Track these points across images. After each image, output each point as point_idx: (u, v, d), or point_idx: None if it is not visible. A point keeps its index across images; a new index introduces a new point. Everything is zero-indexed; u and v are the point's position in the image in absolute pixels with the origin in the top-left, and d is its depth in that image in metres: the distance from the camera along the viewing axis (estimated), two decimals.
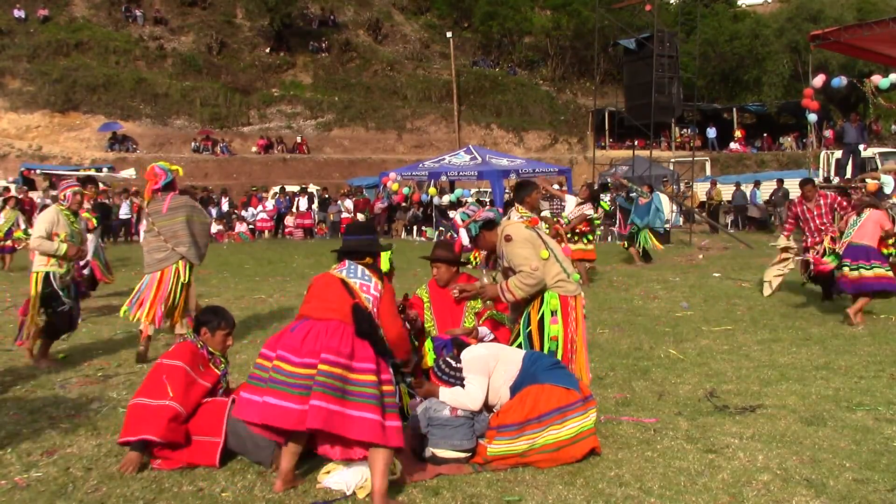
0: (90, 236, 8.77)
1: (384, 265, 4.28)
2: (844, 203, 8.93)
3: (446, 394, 4.07)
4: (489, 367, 4.12)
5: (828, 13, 34.94)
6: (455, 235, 9.22)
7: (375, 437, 3.37)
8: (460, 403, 4.02)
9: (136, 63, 34.55)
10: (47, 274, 6.36)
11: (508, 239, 4.49)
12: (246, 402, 3.56)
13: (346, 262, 3.85)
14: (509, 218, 4.87)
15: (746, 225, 24.13)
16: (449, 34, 38.08)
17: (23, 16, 34.60)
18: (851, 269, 7.79)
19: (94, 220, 8.87)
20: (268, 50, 37.73)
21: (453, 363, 4.18)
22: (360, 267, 3.82)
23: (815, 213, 8.84)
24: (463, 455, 3.96)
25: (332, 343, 3.45)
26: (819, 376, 5.68)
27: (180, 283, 6.59)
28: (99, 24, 36.13)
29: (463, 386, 4.07)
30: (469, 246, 5.00)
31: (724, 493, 3.57)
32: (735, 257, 15.08)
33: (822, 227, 8.73)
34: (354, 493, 3.59)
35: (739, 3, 46.00)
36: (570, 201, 11.46)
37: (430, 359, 4.63)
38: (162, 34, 36.75)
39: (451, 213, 23.45)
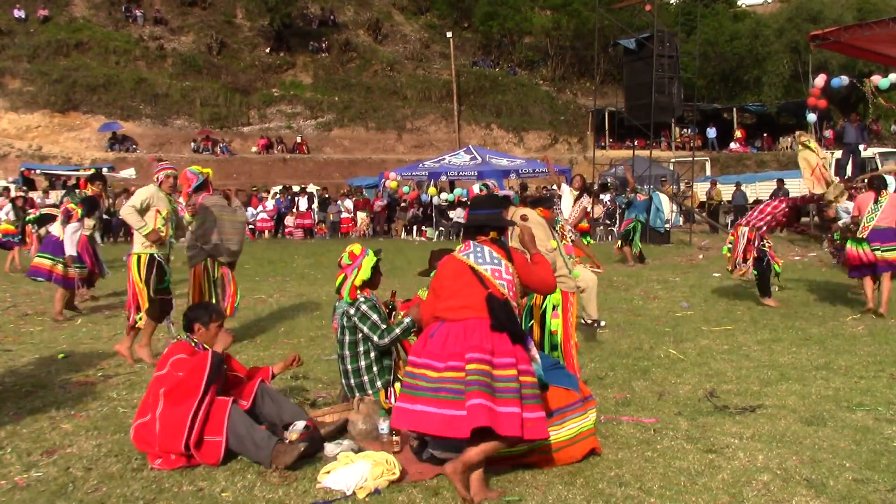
0: (71, 226, 8.86)
1: (364, 273, 4.35)
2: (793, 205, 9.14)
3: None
4: None
5: (828, 13, 34.92)
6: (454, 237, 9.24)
7: (517, 431, 3.37)
8: None
9: (136, 63, 34.55)
10: (151, 256, 6.37)
11: (525, 218, 4.53)
12: (400, 411, 3.55)
13: (471, 244, 3.75)
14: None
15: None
16: (449, 34, 38.09)
17: (23, 16, 34.61)
18: (885, 251, 8.04)
19: (79, 212, 8.90)
20: (268, 50, 37.74)
21: None
22: (486, 249, 3.71)
23: (763, 211, 9.03)
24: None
25: (474, 342, 3.44)
26: (819, 376, 5.68)
27: (211, 280, 7.09)
28: (99, 24, 36.14)
29: None
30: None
31: (724, 493, 3.57)
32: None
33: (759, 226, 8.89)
34: (354, 493, 3.59)
35: (739, 3, 45.98)
36: (565, 191, 11.44)
37: None
38: (162, 34, 36.76)
39: (451, 214, 23.52)
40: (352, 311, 4.65)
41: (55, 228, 9.07)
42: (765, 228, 8.93)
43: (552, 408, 3.90)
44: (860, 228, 8.35)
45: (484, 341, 3.45)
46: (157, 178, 6.67)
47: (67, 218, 8.86)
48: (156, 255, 6.41)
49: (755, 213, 9.13)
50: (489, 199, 4.06)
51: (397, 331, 4.61)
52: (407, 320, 4.63)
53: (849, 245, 8.43)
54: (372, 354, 4.69)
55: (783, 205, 9.09)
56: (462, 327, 3.51)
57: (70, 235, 8.75)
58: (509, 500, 3.54)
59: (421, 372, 3.51)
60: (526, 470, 3.86)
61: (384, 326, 4.60)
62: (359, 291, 4.69)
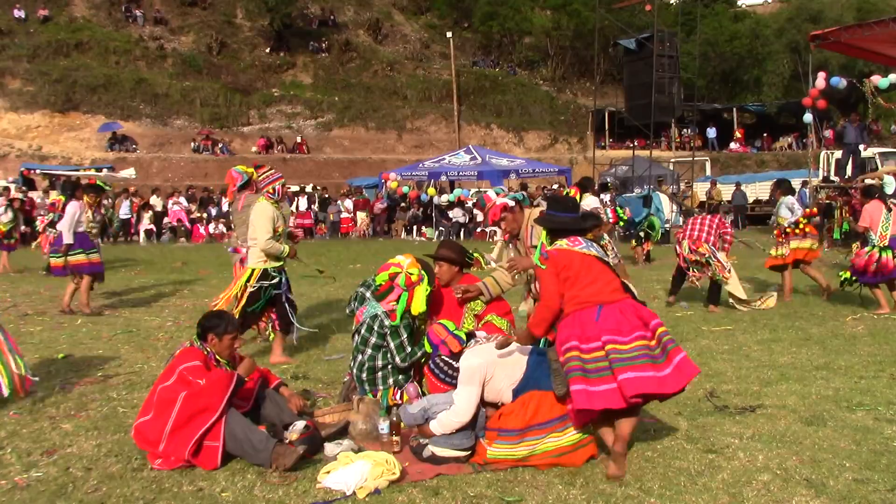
0: (67, 215, 8.87)
1: (419, 306, 4.63)
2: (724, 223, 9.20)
3: (435, 426, 4.04)
4: (482, 378, 4.05)
5: (828, 13, 34.95)
6: (453, 236, 9.25)
7: (682, 384, 3.82)
8: (450, 425, 3.99)
9: (136, 63, 34.55)
10: (265, 271, 6.39)
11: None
12: (590, 394, 3.68)
13: (579, 238, 4.06)
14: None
15: (746, 225, 24.14)
16: (449, 34, 38.09)
17: (23, 16, 34.60)
18: None
19: (62, 198, 8.93)
20: (268, 50, 37.74)
21: (454, 363, 4.19)
22: (591, 242, 4.10)
23: (702, 226, 8.96)
24: (463, 454, 3.96)
25: (644, 315, 3.86)
26: (819, 376, 5.68)
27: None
28: (99, 24, 36.14)
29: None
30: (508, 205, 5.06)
31: (724, 493, 3.57)
32: (735, 257, 15.06)
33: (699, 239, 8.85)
34: (354, 493, 3.59)
35: (739, 3, 45.98)
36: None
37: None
38: (162, 34, 36.76)
39: (451, 214, 23.52)
40: (387, 323, 4.65)
41: (60, 224, 9.10)
42: (713, 241, 8.87)
43: (557, 414, 3.91)
44: (878, 237, 8.52)
45: (644, 315, 3.86)
46: (274, 188, 6.50)
47: (60, 212, 8.96)
48: (269, 270, 6.43)
49: (695, 229, 9.00)
50: (567, 204, 4.38)
51: (419, 354, 4.63)
52: (423, 349, 4.61)
53: (868, 253, 8.50)
54: (390, 357, 4.70)
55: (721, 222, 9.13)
56: (623, 305, 3.87)
57: (66, 222, 8.81)
58: (509, 500, 3.54)
59: (608, 349, 3.72)
60: (526, 470, 3.86)
61: (409, 350, 4.63)
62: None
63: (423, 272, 4.72)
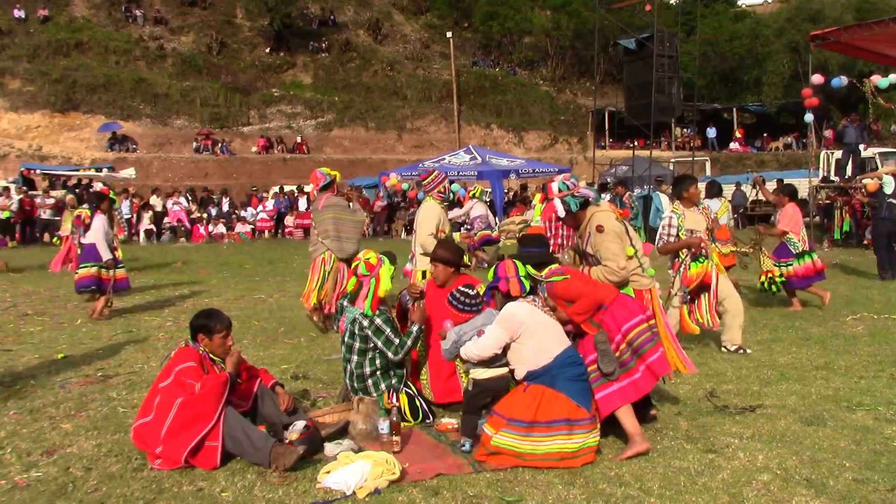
0: (95, 228, 8.74)
1: (385, 284, 4.62)
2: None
3: (463, 352, 4.22)
4: (515, 332, 4.09)
5: (828, 13, 34.91)
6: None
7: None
8: (471, 356, 4.14)
9: (136, 63, 34.53)
10: (424, 273, 6.20)
11: (601, 230, 4.54)
12: (620, 390, 4.14)
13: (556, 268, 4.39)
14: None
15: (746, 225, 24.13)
16: (449, 34, 38.06)
17: (23, 16, 34.59)
18: None
19: (88, 212, 8.89)
20: (268, 50, 37.73)
21: (470, 292, 4.34)
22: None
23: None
24: (503, 371, 4.17)
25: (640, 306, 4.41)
26: (819, 376, 5.68)
27: (325, 271, 7.58)
28: (99, 24, 36.12)
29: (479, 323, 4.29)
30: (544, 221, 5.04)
31: (724, 493, 3.57)
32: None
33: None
34: (354, 493, 3.59)
35: (739, 3, 45.96)
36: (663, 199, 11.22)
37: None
38: (162, 34, 36.74)
39: (451, 213, 23.49)
40: (365, 323, 4.58)
41: (89, 237, 8.82)
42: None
43: (563, 416, 3.93)
44: (801, 241, 8.62)
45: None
46: (444, 188, 6.38)
47: (86, 225, 8.86)
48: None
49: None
50: (537, 240, 4.58)
51: (409, 342, 4.58)
52: (415, 329, 4.60)
53: (804, 265, 8.61)
54: (378, 362, 4.64)
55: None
56: (622, 299, 4.36)
57: (98, 236, 8.58)
58: (509, 500, 3.54)
59: (628, 338, 4.19)
60: (526, 470, 3.87)
61: (397, 341, 4.57)
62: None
63: (380, 255, 4.76)
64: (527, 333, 4.09)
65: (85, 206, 9.49)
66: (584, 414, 3.97)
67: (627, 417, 4.14)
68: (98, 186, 12.22)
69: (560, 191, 4.68)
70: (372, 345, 4.61)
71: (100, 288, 8.71)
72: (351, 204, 8.13)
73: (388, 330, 4.58)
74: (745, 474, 3.78)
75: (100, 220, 8.67)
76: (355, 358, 4.66)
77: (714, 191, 9.51)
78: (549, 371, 4.05)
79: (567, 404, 3.95)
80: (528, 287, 4.26)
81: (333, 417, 4.57)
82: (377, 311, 4.61)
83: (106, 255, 8.57)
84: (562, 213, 4.71)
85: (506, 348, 4.15)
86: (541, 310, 4.22)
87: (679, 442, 4.27)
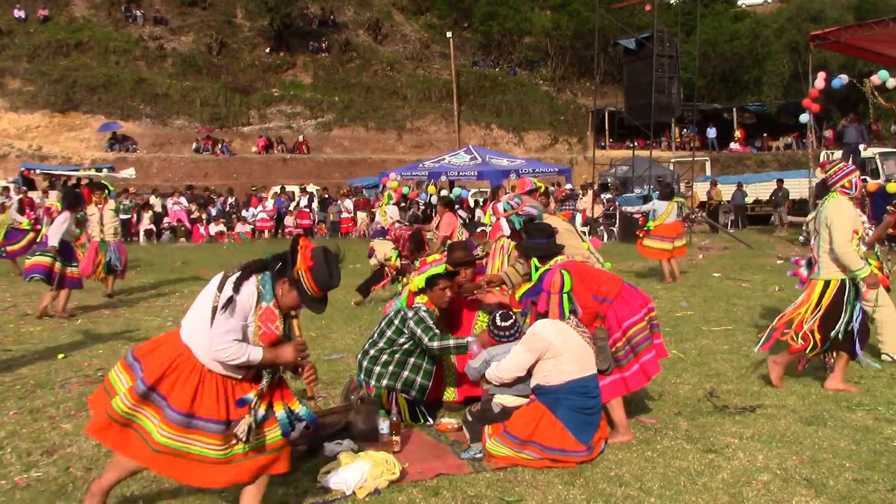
0: (57, 220, 8.87)
1: (418, 282, 4.71)
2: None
3: (488, 374, 4.20)
4: (541, 351, 3.98)
5: (828, 13, 34.92)
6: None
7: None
8: (495, 378, 4.11)
9: (136, 63, 34.55)
10: (842, 283, 5.26)
11: (555, 231, 4.66)
12: (612, 383, 4.29)
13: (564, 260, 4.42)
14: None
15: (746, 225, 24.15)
16: (449, 34, 38.06)
17: (23, 16, 34.61)
18: None
19: (59, 205, 8.94)
20: (268, 50, 37.74)
21: (506, 324, 4.31)
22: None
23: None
24: (525, 400, 4.09)
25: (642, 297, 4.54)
26: (819, 376, 5.68)
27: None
28: (99, 24, 36.14)
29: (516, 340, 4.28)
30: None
31: (724, 493, 3.57)
32: (735, 257, 15.07)
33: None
34: (354, 493, 3.59)
35: (739, 3, 45.99)
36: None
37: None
38: (162, 34, 36.76)
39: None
40: (409, 314, 4.64)
41: (51, 228, 9.02)
42: None
43: (559, 447, 3.88)
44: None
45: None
46: (851, 181, 5.26)
47: (52, 218, 8.97)
48: (847, 282, 5.24)
49: None
50: (543, 230, 4.56)
51: (451, 343, 4.51)
52: (467, 340, 4.47)
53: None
54: (397, 356, 4.66)
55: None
56: (627, 293, 4.46)
57: (54, 227, 8.78)
58: (509, 500, 3.54)
59: (633, 331, 4.32)
60: (526, 470, 3.87)
61: (437, 331, 4.56)
62: (416, 298, 4.73)
63: (439, 260, 4.85)
64: (551, 353, 3.98)
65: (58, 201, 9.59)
66: (581, 447, 3.91)
67: (617, 409, 4.32)
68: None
69: (505, 210, 4.93)
70: (402, 340, 4.66)
71: (48, 280, 8.74)
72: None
73: (429, 321, 4.60)
74: (745, 474, 3.78)
75: (65, 217, 8.83)
76: (380, 342, 4.73)
77: (666, 192, 11.45)
78: (555, 393, 3.96)
79: (564, 435, 3.88)
80: (567, 311, 4.11)
81: (333, 417, 4.56)
82: (422, 306, 4.67)
83: (52, 242, 8.69)
84: (507, 231, 4.95)
85: (530, 369, 4.06)
86: (574, 329, 4.08)
87: (679, 442, 4.27)
